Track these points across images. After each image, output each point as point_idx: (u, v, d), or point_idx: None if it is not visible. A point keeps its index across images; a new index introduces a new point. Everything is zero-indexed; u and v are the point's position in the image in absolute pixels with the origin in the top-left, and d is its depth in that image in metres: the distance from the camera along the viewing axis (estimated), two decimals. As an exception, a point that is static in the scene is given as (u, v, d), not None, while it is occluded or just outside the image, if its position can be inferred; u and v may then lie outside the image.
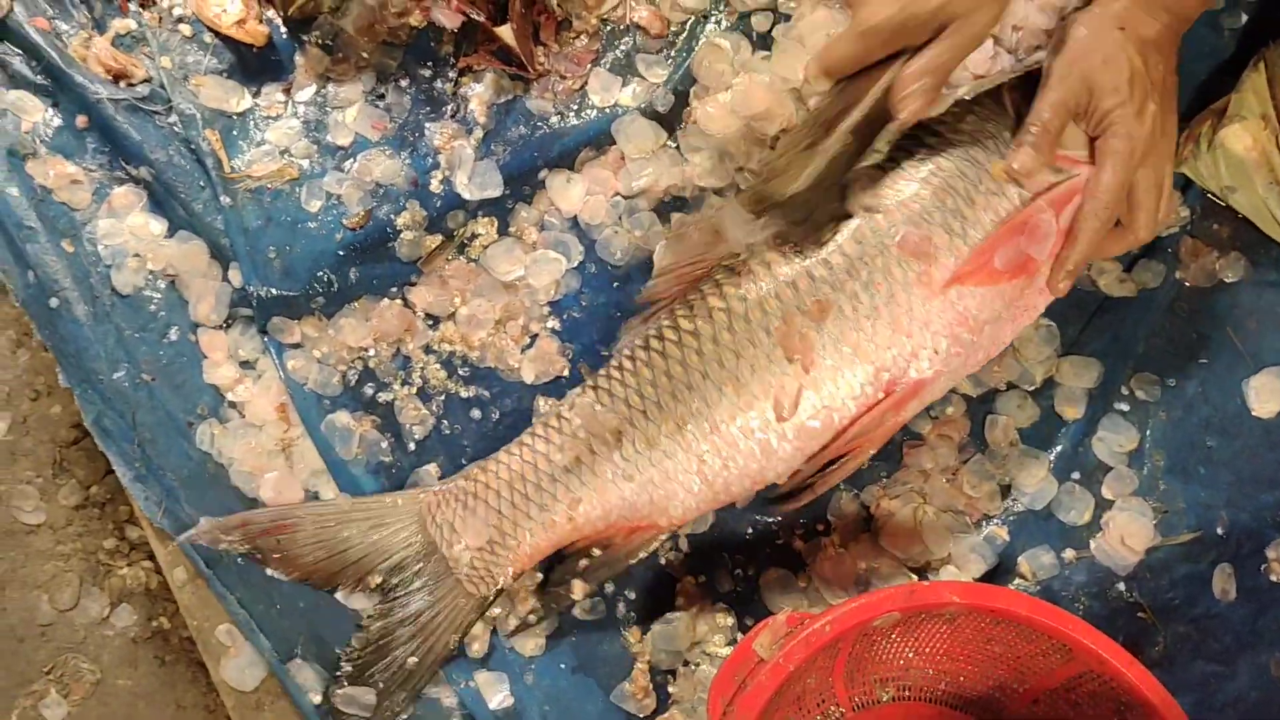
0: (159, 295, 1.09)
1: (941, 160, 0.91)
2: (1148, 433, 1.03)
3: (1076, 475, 1.03)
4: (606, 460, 0.94)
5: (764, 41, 1.10)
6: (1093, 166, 0.86)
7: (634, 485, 0.94)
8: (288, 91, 1.12)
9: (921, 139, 0.92)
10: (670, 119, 1.09)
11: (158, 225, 1.10)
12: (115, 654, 1.20)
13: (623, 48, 1.12)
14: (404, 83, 1.12)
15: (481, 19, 1.06)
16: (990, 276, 0.88)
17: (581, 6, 1.11)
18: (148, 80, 1.11)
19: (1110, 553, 1.01)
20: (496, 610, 1.02)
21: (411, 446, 1.06)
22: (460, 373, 1.07)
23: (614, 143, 1.09)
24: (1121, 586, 1.00)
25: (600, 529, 0.96)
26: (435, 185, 1.09)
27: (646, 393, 0.93)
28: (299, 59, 1.12)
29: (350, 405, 1.07)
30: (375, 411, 1.07)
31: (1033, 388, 1.04)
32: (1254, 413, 1.01)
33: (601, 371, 0.97)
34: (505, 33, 1.06)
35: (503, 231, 1.09)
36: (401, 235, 1.08)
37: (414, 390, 1.07)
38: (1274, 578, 0.98)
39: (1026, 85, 0.91)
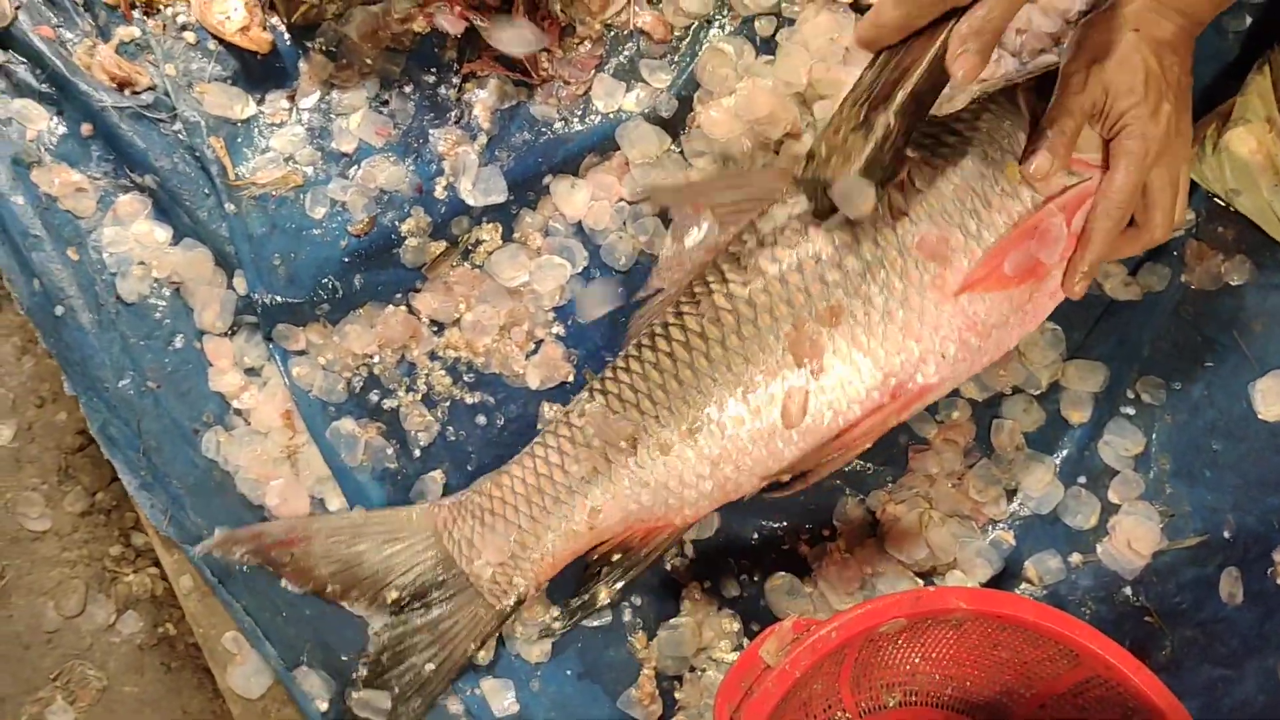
0: (164, 303, 1.09)
1: (960, 159, 0.90)
2: (1153, 436, 1.03)
3: (1082, 479, 1.03)
4: (623, 468, 0.94)
5: (767, 46, 1.10)
6: (1106, 169, 0.86)
7: (650, 490, 0.94)
8: (292, 98, 1.12)
9: (940, 137, 0.91)
10: (674, 124, 1.09)
11: (162, 233, 1.10)
12: (121, 661, 1.21)
13: (626, 53, 1.12)
14: (408, 89, 1.12)
15: (485, 25, 1.06)
16: (1000, 282, 0.87)
17: (585, 12, 1.11)
18: (152, 88, 1.11)
19: (1116, 557, 1.01)
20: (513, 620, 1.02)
21: (417, 453, 1.06)
22: (465, 379, 1.07)
23: (618, 148, 1.09)
24: (1128, 591, 1.00)
25: (618, 532, 0.96)
26: (440, 191, 1.09)
27: (658, 398, 0.93)
28: (303, 66, 1.12)
29: (355, 412, 1.07)
30: (380, 418, 1.07)
31: (1038, 392, 1.04)
32: (1260, 416, 1.01)
33: (608, 373, 0.96)
34: (509, 39, 1.06)
35: (507, 237, 1.09)
36: (406, 242, 1.08)
37: (419, 396, 1.07)
38: (1281, 581, 0.98)
39: (1040, 86, 0.91)
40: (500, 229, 1.09)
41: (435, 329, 1.08)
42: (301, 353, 1.08)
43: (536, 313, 1.08)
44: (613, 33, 1.12)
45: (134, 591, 1.23)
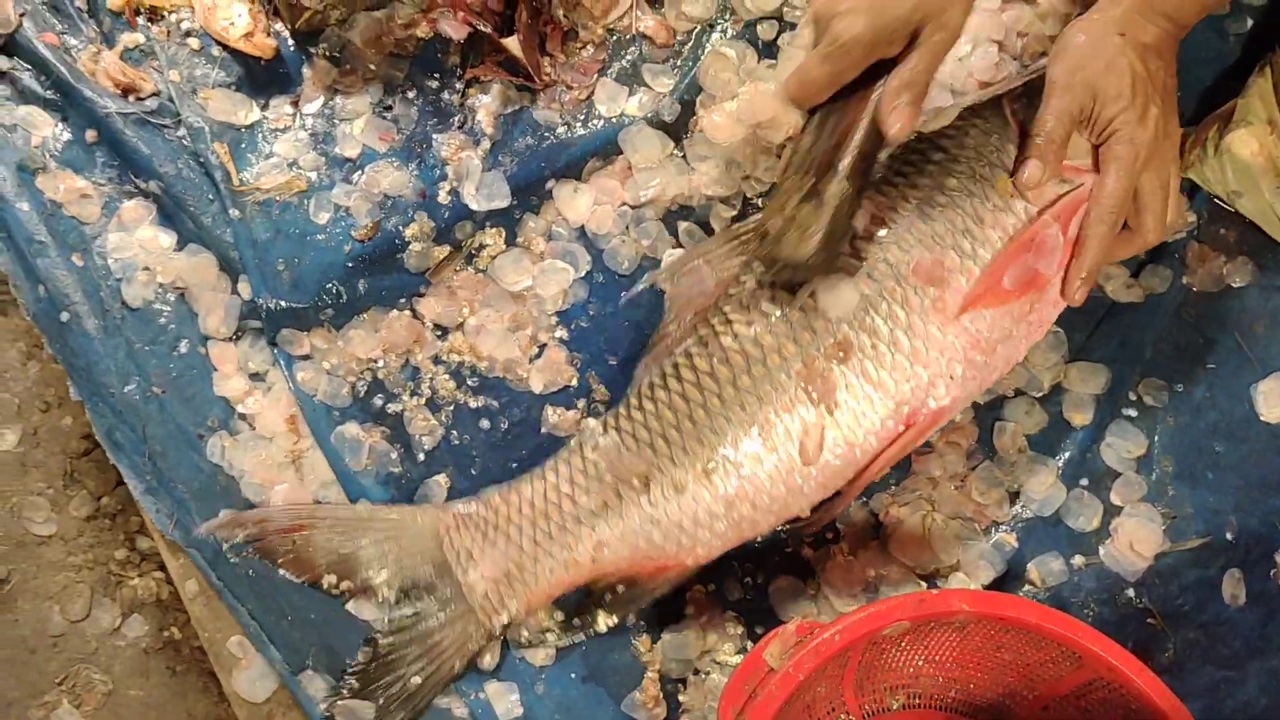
0: (169, 308, 1.09)
1: (948, 179, 0.90)
2: (1156, 438, 1.03)
3: (1085, 481, 1.03)
4: (634, 505, 0.93)
5: (769, 50, 1.11)
6: (1096, 175, 0.86)
7: (660, 530, 0.93)
8: (295, 104, 1.13)
9: (928, 155, 0.92)
10: (677, 128, 1.10)
11: (167, 238, 1.10)
12: (127, 664, 1.21)
13: (629, 57, 1.12)
14: (411, 94, 1.12)
15: (488, 30, 1.07)
16: (1000, 297, 0.88)
17: (587, 17, 1.12)
18: (156, 94, 1.11)
19: (1119, 559, 1.01)
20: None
21: (421, 457, 1.07)
22: (469, 383, 1.08)
23: (621, 152, 1.10)
24: (1130, 593, 1.00)
25: (624, 568, 0.95)
26: (443, 196, 1.09)
27: (671, 437, 0.92)
28: (306, 71, 1.13)
29: (359, 416, 1.07)
30: (384, 422, 1.07)
31: (1041, 394, 1.04)
32: (1262, 417, 1.01)
33: (621, 410, 0.96)
34: (512, 44, 1.07)
35: (510, 242, 1.10)
36: (410, 246, 1.08)
37: (423, 401, 1.07)
38: (1283, 583, 0.98)
39: (1025, 95, 0.91)
40: (503, 233, 1.10)
41: (439, 333, 1.09)
42: (306, 357, 1.08)
43: (540, 317, 1.08)
44: (615, 37, 1.13)
45: (139, 595, 1.23)
